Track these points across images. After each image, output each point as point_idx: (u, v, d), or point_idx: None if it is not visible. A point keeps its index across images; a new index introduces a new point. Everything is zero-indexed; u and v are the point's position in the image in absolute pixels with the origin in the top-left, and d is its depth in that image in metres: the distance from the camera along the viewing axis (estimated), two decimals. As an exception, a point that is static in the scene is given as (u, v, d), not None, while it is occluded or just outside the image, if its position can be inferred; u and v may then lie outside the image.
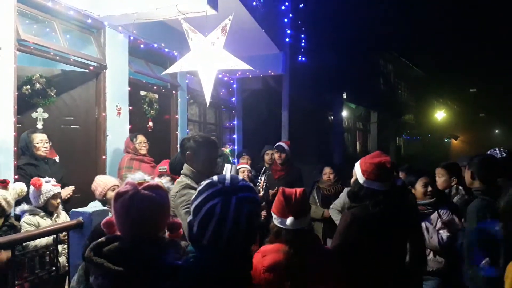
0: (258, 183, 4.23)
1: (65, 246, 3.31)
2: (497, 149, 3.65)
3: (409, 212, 2.61)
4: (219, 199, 1.30)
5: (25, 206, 3.49)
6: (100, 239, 1.45)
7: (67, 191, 4.06)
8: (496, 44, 31.46)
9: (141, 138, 4.98)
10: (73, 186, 4.16)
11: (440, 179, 3.79)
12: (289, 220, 2.16)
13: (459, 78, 30.73)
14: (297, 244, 2.14)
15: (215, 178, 1.38)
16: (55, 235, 3.17)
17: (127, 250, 1.39)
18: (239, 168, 4.97)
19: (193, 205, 1.35)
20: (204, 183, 1.39)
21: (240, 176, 4.38)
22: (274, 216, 2.26)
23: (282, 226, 2.19)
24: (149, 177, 1.69)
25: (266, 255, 2.16)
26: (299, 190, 2.25)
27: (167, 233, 1.54)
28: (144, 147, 4.95)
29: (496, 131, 36.33)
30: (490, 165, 3.01)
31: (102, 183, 3.86)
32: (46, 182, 3.58)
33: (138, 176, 1.63)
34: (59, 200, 3.64)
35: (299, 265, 2.08)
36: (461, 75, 30.49)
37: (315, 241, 2.31)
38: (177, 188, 2.63)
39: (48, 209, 3.57)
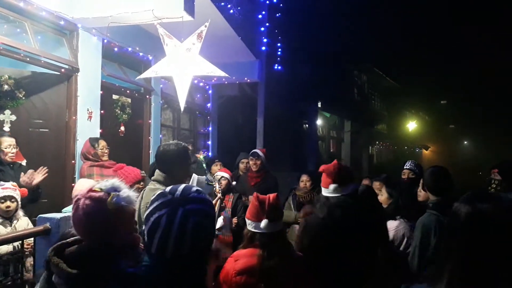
0: (214, 189, 4.12)
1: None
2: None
3: (367, 218, 2.48)
4: (166, 210, 1.30)
5: None
6: (65, 240, 1.51)
7: (38, 176, 3.84)
8: (466, 58, 32.67)
9: (103, 143, 4.62)
10: (46, 168, 3.92)
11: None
12: (263, 223, 2.21)
13: (430, 90, 31.72)
14: (270, 247, 2.19)
15: (168, 188, 1.38)
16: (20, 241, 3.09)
17: (82, 254, 1.45)
18: (217, 175, 4.61)
19: (145, 215, 1.36)
20: (156, 193, 1.40)
21: (217, 185, 4.37)
22: (248, 221, 2.31)
23: (256, 230, 2.24)
24: (123, 183, 1.62)
25: (238, 259, 2.22)
26: (272, 195, 2.32)
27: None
28: (106, 153, 4.59)
29: (465, 142, 37.55)
30: (439, 176, 2.89)
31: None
32: None
33: (109, 182, 1.59)
34: (9, 203, 3.40)
35: (271, 268, 2.13)
36: (432, 87, 31.49)
37: (286, 245, 2.36)
38: (151, 197, 2.60)
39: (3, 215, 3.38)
